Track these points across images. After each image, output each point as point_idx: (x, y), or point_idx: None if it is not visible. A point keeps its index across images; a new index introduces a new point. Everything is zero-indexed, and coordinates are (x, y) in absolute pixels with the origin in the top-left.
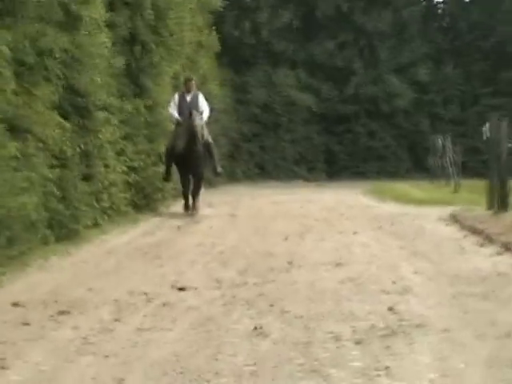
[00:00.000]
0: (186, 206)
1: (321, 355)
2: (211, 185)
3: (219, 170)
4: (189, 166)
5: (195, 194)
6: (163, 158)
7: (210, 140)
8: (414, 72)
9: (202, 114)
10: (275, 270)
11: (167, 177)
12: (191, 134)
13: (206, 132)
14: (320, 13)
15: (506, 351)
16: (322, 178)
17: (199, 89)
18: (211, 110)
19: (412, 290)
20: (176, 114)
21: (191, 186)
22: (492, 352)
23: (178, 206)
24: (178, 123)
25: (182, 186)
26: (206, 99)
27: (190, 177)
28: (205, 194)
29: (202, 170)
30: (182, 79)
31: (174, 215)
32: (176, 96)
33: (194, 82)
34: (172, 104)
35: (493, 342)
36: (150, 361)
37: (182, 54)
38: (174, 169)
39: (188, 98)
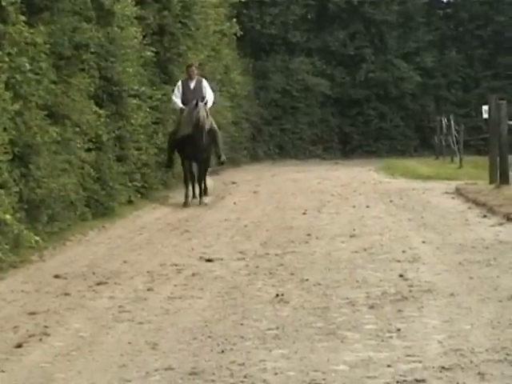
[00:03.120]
0: (187, 195)
1: (337, 319)
2: (235, 164)
3: (223, 158)
4: (192, 154)
5: (200, 181)
6: (167, 144)
7: (215, 127)
8: (420, 58)
9: (205, 101)
10: (295, 242)
11: (169, 163)
12: (196, 123)
13: (210, 119)
14: (332, 5)
15: (508, 313)
16: (337, 157)
17: (203, 75)
18: (228, 94)
19: (421, 259)
20: (179, 103)
21: (196, 174)
22: (495, 314)
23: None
24: (181, 111)
25: (184, 174)
26: (221, 83)
27: (194, 164)
28: (229, 173)
29: (208, 157)
30: (207, 68)
31: None
32: (179, 83)
33: (194, 68)
34: (176, 92)
35: (496, 305)
36: (181, 327)
37: (207, 45)
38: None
39: (192, 85)
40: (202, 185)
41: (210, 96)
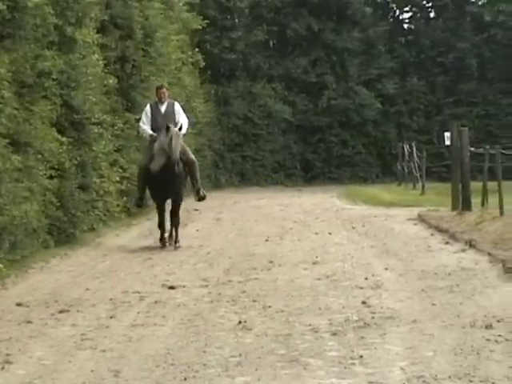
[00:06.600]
0: (162, 237)
1: (300, 346)
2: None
3: (202, 193)
4: (167, 191)
5: (174, 222)
6: (137, 179)
7: (192, 157)
8: (382, 85)
9: (180, 127)
10: (257, 269)
11: (140, 202)
12: (169, 155)
13: (186, 148)
14: (292, 31)
15: (471, 340)
16: (299, 184)
17: (174, 98)
18: (190, 122)
19: (383, 285)
20: (149, 130)
21: (168, 214)
22: (458, 341)
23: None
24: (152, 139)
25: (159, 215)
26: (184, 110)
27: (168, 203)
28: (191, 200)
29: (182, 195)
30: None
31: None
32: (148, 107)
33: (165, 90)
34: (144, 117)
35: (458, 332)
36: (144, 354)
37: (169, 72)
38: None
39: (162, 109)
40: (176, 226)
41: (184, 121)
